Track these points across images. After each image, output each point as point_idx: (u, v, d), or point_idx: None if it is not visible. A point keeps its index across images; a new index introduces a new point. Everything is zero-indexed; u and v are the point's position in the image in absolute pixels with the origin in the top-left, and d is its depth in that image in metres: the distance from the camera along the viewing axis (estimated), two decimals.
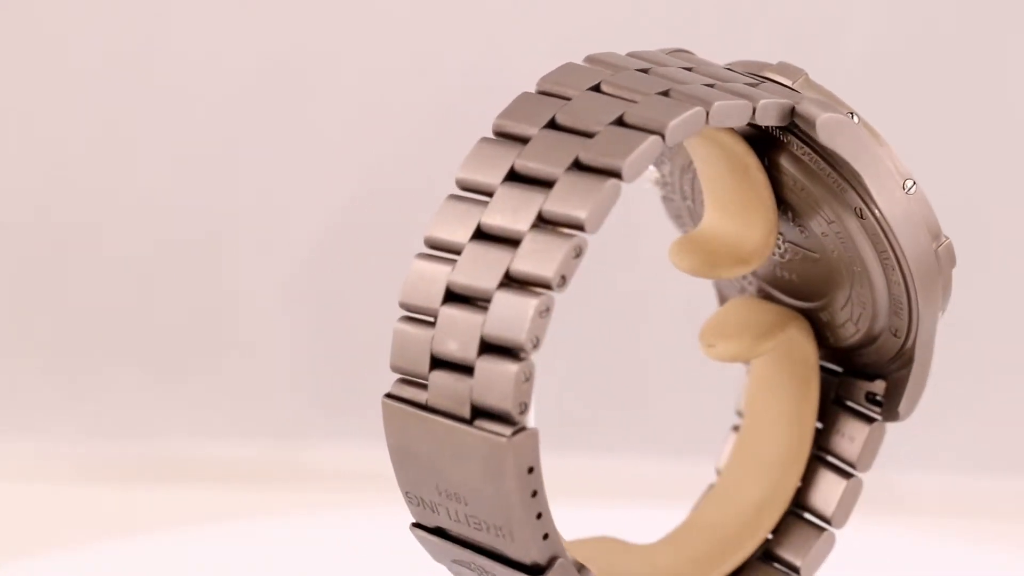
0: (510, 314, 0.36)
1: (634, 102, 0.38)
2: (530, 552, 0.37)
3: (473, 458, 0.37)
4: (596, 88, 0.39)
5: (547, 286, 0.36)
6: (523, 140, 0.38)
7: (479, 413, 0.36)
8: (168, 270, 0.83)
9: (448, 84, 0.82)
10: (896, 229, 0.41)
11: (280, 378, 0.84)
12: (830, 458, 0.46)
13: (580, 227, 0.36)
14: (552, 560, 0.37)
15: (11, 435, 0.83)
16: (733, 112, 0.38)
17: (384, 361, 0.86)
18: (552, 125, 0.38)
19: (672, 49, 0.41)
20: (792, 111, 0.40)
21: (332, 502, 0.74)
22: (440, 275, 0.37)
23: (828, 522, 0.46)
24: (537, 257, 0.36)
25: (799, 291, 0.45)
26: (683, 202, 0.46)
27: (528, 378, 0.36)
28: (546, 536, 0.37)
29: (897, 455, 0.82)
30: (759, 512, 0.46)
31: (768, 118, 0.39)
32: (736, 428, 0.48)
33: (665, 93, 0.38)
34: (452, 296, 0.37)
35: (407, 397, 0.38)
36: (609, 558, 0.44)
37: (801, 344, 0.45)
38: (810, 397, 0.45)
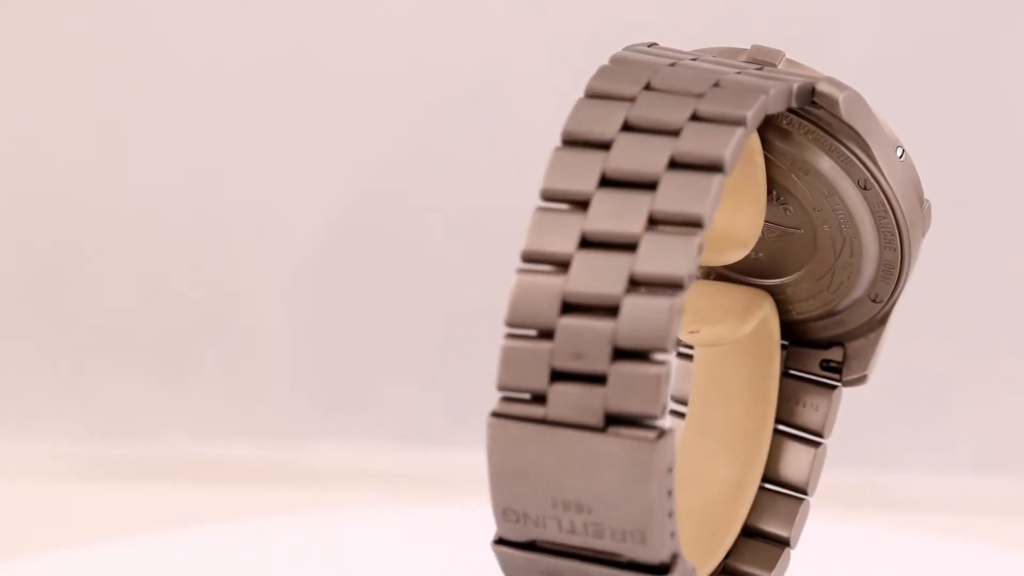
0: (647, 317, 0.35)
1: (700, 96, 0.38)
2: (660, 552, 0.37)
3: (610, 465, 0.36)
4: (647, 87, 0.38)
5: (679, 285, 0.36)
6: (603, 144, 0.37)
7: (613, 420, 0.36)
8: (168, 271, 0.83)
9: (447, 84, 0.82)
10: (899, 195, 0.42)
11: (280, 378, 0.84)
12: (792, 430, 0.46)
13: (698, 224, 0.36)
14: (675, 557, 0.37)
15: (12, 435, 0.83)
16: (782, 98, 0.39)
17: (382, 361, 0.86)
18: (627, 127, 0.38)
19: (648, 43, 0.41)
20: (812, 91, 0.40)
21: (332, 502, 0.74)
22: (552, 288, 0.36)
23: (803, 491, 0.46)
24: (664, 257, 0.36)
25: (762, 269, 0.45)
26: None
27: (668, 379, 0.36)
28: (672, 534, 0.37)
29: (897, 455, 0.82)
30: (736, 491, 0.46)
31: (798, 100, 0.40)
32: (677, 414, 0.48)
33: (716, 85, 0.38)
34: (569, 307, 0.36)
35: (520, 414, 0.36)
36: None
37: (771, 321, 0.45)
38: (773, 373, 0.46)
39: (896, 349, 0.81)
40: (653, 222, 0.36)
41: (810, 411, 0.46)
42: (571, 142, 0.38)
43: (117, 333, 0.83)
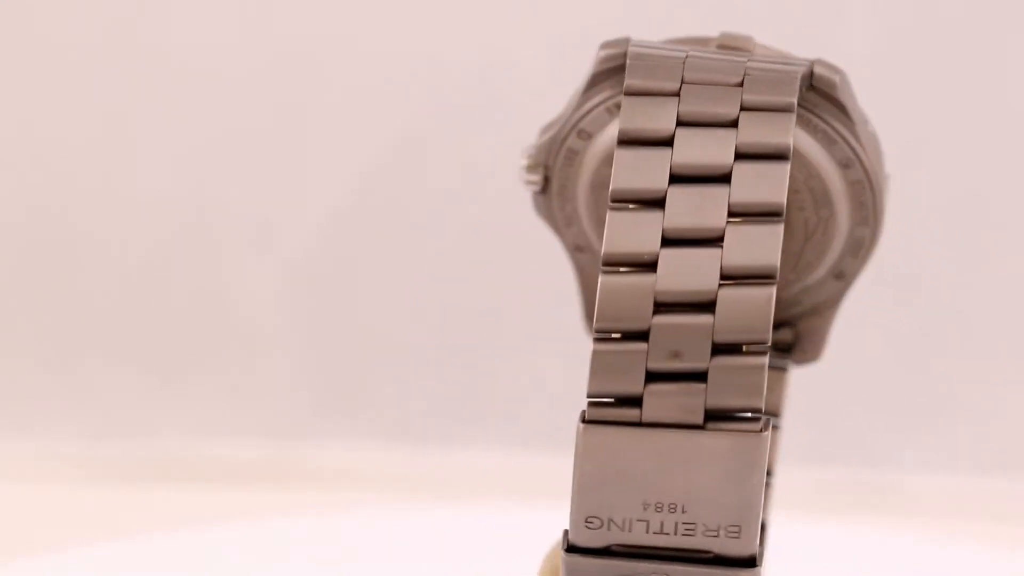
0: (745, 310, 0.35)
1: (739, 86, 0.38)
2: (752, 544, 0.36)
3: (711, 462, 0.36)
4: (684, 80, 0.38)
5: (771, 275, 0.36)
6: (663, 141, 0.37)
7: (713, 416, 0.36)
8: (168, 269, 0.83)
9: (446, 84, 0.82)
10: (874, 170, 0.42)
11: (280, 378, 0.84)
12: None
13: (779, 212, 0.36)
14: (761, 548, 0.37)
15: (11, 435, 0.83)
16: (800, 83, 0.39)
17: (382, 361, 0.86)
18: (683, 122, 0.38)
19: (626, 39, 0.41)
20: (811, 75, 0.40)
21: (332, 502, 0.74)
22: (643, 288, 0.36)
23: (769, 474, 0.46)
24: (752, 248, 0.36)
25: None
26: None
27: (767, 369, 0.36)
28: (762, 525, 0.37)
29: (897, 455, 0.82)
30: None
31: (804, 85, 0.40)
32: None
33: (745, 74, 0.38)
34: (661, 306, 0.36)
35: (613, 418, 0.36)
36: None
37: None
38: None
39: (897, 349, 0.81)
40: (733, 214, 0.36)
41: (767, 394, 0.46)
42: (629, 141, 0.37)
43: (117, 332, 0.83)
